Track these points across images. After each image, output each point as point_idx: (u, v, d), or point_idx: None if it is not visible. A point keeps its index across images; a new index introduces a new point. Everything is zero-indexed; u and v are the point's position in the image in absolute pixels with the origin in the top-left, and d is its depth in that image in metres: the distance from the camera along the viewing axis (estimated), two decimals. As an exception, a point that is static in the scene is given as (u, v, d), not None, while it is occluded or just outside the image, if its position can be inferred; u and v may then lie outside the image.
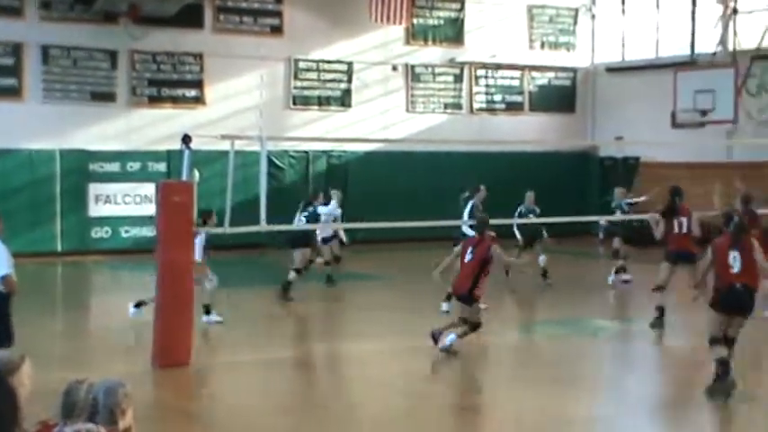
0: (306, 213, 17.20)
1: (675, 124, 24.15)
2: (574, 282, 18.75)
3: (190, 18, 24.01)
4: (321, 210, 17.40)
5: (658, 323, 13.80)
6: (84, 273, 21.34)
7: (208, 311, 14.16)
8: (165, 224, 11.55)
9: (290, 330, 14.70)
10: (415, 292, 17.74)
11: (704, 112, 23.50)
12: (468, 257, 11.88)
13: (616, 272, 18.30)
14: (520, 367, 12.31)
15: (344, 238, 18.55)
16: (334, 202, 17.67)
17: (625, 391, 10.96)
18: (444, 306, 14.72)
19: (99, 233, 23.14)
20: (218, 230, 11.99)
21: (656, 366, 11.90)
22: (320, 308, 16.07)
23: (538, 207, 18.14)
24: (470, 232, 14.47)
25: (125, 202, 23.34)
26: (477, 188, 16.85)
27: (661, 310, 13.86)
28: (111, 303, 17.19)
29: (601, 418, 9.75)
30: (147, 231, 22.43)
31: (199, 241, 13.65)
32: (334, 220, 17.94)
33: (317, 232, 17.85)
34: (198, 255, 13.48)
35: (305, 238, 17.00)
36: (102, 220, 23.15)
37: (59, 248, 22.55)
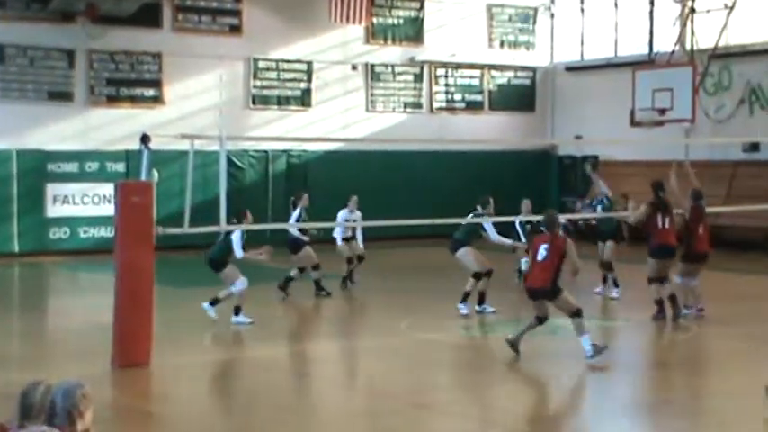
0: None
1: (634, 123, 24.32)
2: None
3: (148, 17, 23.86)
4: (340, 214, 17.65)
5: (659, 316, 14.06)
6: (41, 274, 21.13)
7: (237, 312, 14.27)
8: (124, 225, 11.46)
9: (250, 331, 14.63)
10: (376, 291, 17.75)
11: (662, 111, 23.68)
12: (542, 255, 11.74)
13: (604, 281, 16.85)
14: (480, 366, 12.34)
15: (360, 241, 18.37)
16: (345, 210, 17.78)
17: (584, 388, 11.02)
18: (463, 309, 14.69)
19: (57, 234, 22.92)
20: (177, 231, 11.90)
21: (618, 364, 11.95)
22: (279, 308, 16.01)
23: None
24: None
25: (83, 203, 23.15)
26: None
27: (660, 303, 14.10)
28: (69, 304, 17.06)
29: (563, 416, 9.79)
30: (106, 232, 22.28)
31: (237, 238, 13.94)
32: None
33: (335, 233, 17.95)
34: (238, 251, 13.97)
35: (301, 241, 16.87)
36: (60, 221, 22.94)
37: (17, 249, 22.33)
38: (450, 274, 17.19)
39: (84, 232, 23.15)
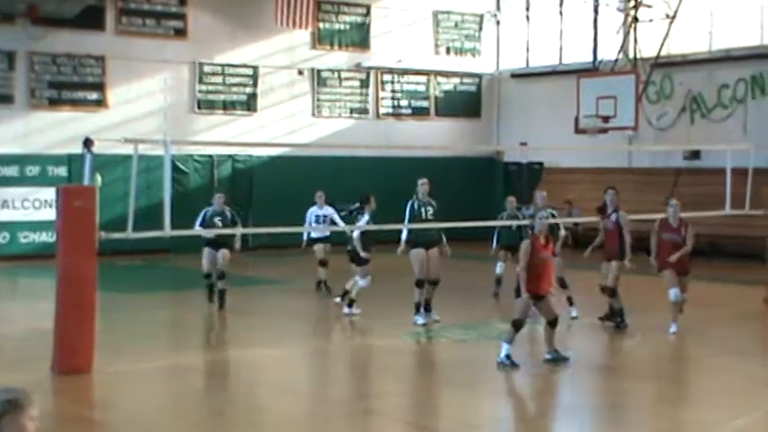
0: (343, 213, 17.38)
1: (578, 130, 24.54)
2: (478, 286, 18.88)
3: (91, 20, 23.63)
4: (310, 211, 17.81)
5: (621, 323, 14.05)
6: (-19, 279, 20.77)
7: (350, 304, 14.90)
8: (66, 230, 11.31)
9: (192, 337, 14.52)
10: (318, 297, 17.68)
11: (606, 119, 23.92)
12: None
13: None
14: (424, 372, 12.35)
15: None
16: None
17: (527, 394, 11.06)
18: (419, 319, 14.47)
19: (-3, 238, 22.58)
20: (120, 236, 11.76)
21: (560, 370, 12.02)
22: (224, 314, 15.88)
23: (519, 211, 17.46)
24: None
25: (24, 207, 22.82)
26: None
27: (612, 310, 14.13)
28: (9, 310, 16.77)
29: (505, 421, 9.82)
30: (47, 237, 21.97)
31: (363, 223, 14.25)
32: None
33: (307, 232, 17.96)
34: (358, 244, 14.37)
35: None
36: (0, 226, 22.58)
37: (-45, 254, 21.96)
38: (396, 280, 17.21)
39: (25, 237, 22.82)
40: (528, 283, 11.44)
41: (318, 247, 17.79)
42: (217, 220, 16.08)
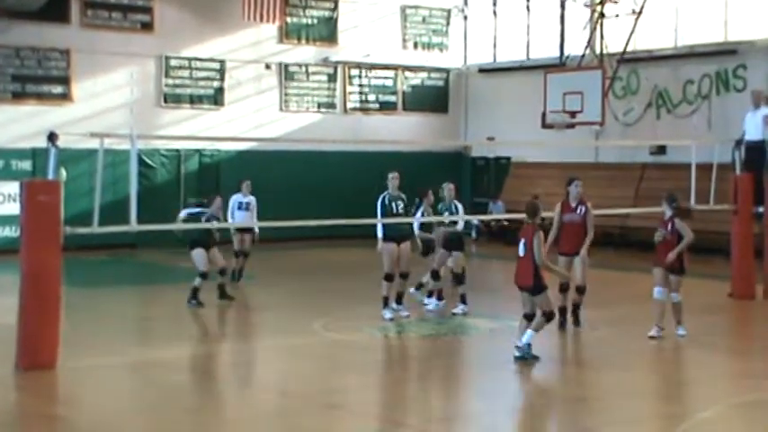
0: None
1: (545, 125, 24.63)
2: (447, 281, 18.90)
3: (56, 12, 23.40)
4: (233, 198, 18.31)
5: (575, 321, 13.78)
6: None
7: (431, 295, 15.34)
8: (30, 224, 11.21)
9: (162, 332, 14.43)
10: (288, 292, 17.65)
11: (573, 114, 24.02)
12: (521, 250, 11.46)
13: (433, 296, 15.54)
14: (392, 367, 12.36)
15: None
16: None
17: (496, 388, 11.08)
18: (387, 314, 14.40)
19: (-40, 233, 22.35)
20: (86, 230, 11.66)
21: (528, 364, 12.05)
22: (191, 309, 15.78)
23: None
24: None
25: (-13, 201, 22.59)
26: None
27: (563, 311, 13.62)
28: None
29: (474, 415, 9.83)
30: (11, 231, 21.77)
31: (419, 215, 14.28)
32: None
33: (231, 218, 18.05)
34: (416, 226, 14.68)
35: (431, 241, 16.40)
36: (-36, 220, 22.37)
37: None
38: (365, 275, 17.20)
39: (-12, 232, 22.60)
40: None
41: (237, 238, 18.20)
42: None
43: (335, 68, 27.55)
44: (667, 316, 13.10)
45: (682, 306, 13.28)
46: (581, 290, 13.78)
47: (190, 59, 25.42)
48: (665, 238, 13.08)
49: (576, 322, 13.82)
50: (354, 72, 27.93)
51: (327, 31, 27.40)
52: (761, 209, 17.09)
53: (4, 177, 22.42)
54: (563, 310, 13.65)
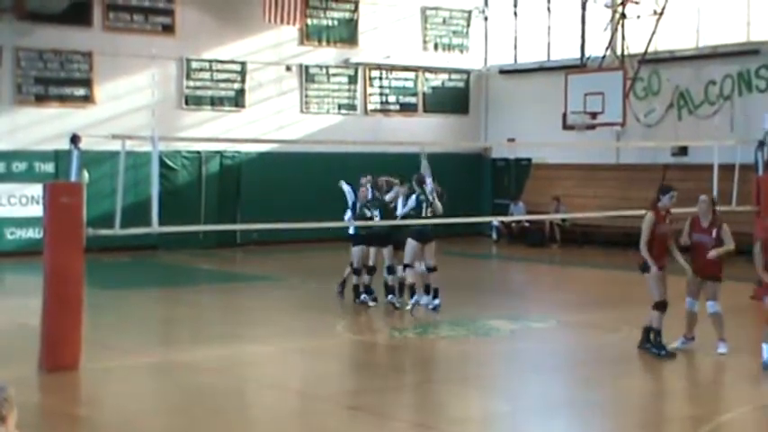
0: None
1: (566, 126, 24.58)
2: (467, 282, 18.90)
3: (78, 15, 23.54)
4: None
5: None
6: (-33, 276, 20.69)
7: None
8: (53, 226, 11.27)
9: (182, 333, 14.49)
10: (310, 293, 17.68)
11: (594, 115, 23.97)
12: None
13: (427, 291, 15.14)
14: (414, 368, 12.35)
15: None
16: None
17: (515, 390, 11.07)
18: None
19: (-17, 235, 22.50)
20: (108, 232, 11.72)
21: (549, 366, 12.03)
22: (213, 311, 15.85)
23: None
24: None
25: (10, 204, 22.74)
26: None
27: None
28: (-5, 307, 16.70)
29: (495, 417, 9.83)
30: (34, 233, 21.91)
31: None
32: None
33: None
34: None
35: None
36: (-13, 222, 22.51)
37: (-58, 251, 21.86)
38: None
39: (12, 233, 22.74)
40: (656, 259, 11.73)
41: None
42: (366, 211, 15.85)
43: (356, 70, 27.58)
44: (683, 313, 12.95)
45: (722, 318, 12.10)
46: None
47: (211, 62, 25.51)
48: (705, 245, 11.99)
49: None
50: (375, 74, 27.96)
51: (348, 33, 27.43)
52: (783, 210, 16.96)
53: (27, 179, 22.57)
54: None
